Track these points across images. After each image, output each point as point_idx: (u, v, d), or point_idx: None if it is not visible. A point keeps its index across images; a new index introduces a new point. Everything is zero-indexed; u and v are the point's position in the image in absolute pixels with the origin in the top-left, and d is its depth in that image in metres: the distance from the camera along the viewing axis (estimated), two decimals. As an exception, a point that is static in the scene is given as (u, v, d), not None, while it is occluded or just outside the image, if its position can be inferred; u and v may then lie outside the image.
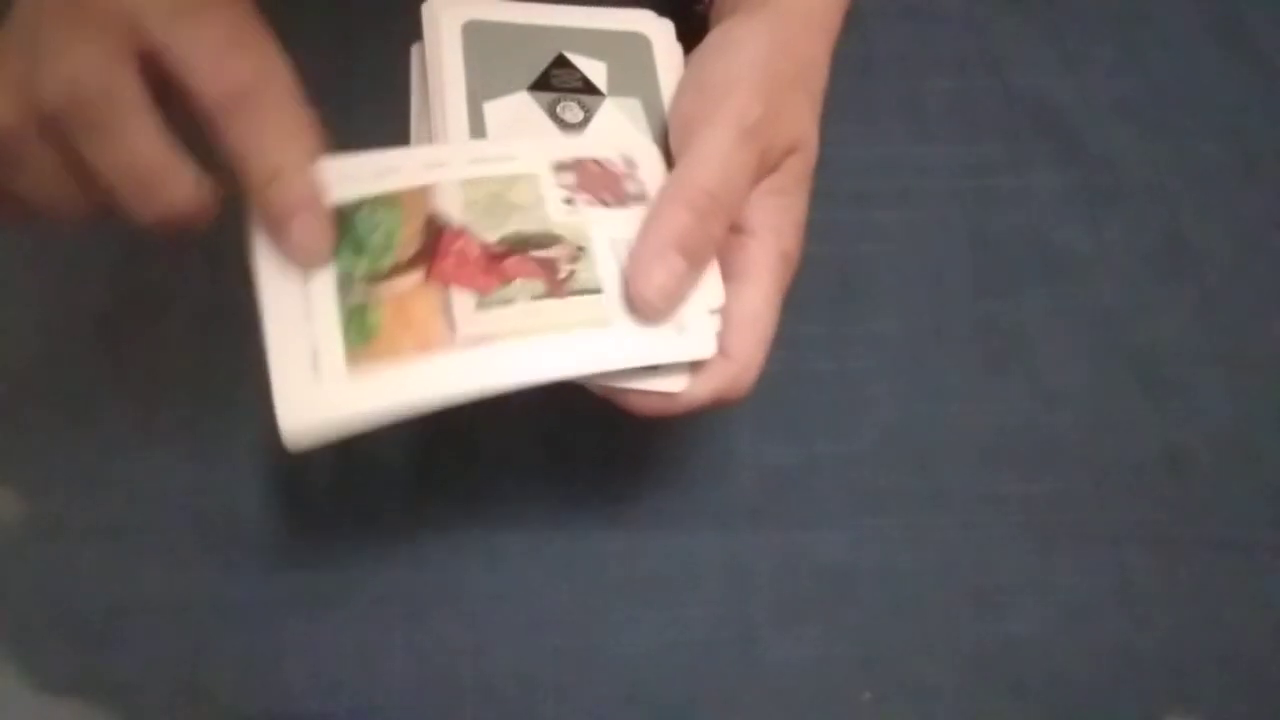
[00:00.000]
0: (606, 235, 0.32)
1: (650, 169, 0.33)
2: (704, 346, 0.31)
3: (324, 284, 0.30)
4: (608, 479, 0.41)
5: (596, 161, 0.33)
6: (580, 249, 0.31)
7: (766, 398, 0.42)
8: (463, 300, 0.29)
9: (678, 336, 0.31)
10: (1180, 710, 0.37)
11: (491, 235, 0.31)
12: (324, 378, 0.29)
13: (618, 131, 0.34)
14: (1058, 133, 0.48)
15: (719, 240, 0.32)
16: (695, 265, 0.31)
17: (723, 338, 0.32)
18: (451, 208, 0.31)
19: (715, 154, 0.32)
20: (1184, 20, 0.51)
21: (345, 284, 0.30)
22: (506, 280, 0.30)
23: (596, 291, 0.31)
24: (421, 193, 0.31)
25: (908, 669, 0.38)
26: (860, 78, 0.49)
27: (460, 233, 0.30)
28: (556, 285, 0.30)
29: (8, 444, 0.41)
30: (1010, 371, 0.43)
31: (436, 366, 0.29)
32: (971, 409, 0.42)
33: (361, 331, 0.29)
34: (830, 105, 0.48)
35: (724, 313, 0.33)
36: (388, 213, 0.31)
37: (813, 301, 0.44)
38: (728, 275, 0.33)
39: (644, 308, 0.30)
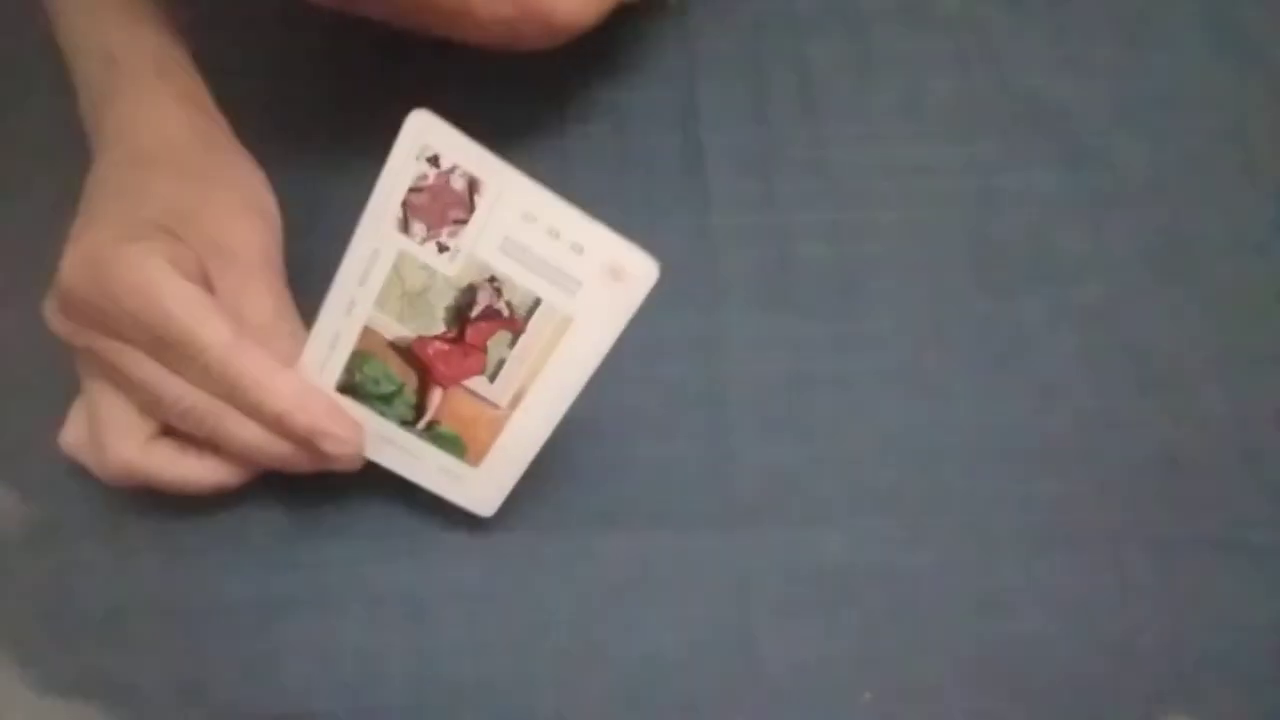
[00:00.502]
0: (494, 249, 0.33)
1: (453, 155, 0.33)
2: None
3: (403, 435, 0.37)
4: (608, 479, 0.41)
5: (414, 190, 0.33)
6: (491, 279, 0.34)
7: (766, 398, 0.42)
8: (477, 384, 0.35)
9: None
10: (1180, 710, 0.37)
11: (436, 328, 0.35)
12: (470, 482, 0.38)
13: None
14: (1058, 133, 0.48)
15: None
16: None
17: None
18: (392, 330, 0.35)
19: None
20: (1184, 20, 0.51)
21: (404, 425, 0.36)
22: (484, 350, 0.35)
23: (538, 301, 0.34)
24: (369, 333, 0.35)
25: (908, 669, 0.38)
26: (860, 78, 0.49)
27: (419, 342, 0.35)
28: (512, 323, 0.34)
29: (8, 444, 0.41)
30: (1010, 371, 0.43)
31: (517, 433, 0.36)
32: (971, 409, 0.42)
33: (456, 445, 0.37)
34: (830, 105, 0.49)
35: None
36: (369, 363, 0.35)
37: (813, 301, 0.44)
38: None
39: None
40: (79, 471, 0.38)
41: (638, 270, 0.34)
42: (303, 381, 0.35)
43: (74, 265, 0.35)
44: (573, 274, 0.34)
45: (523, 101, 0.47)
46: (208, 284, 0.36)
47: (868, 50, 0.50)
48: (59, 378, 0.42)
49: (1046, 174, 0.47)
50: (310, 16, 0.42)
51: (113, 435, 0.36)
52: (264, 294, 0.36)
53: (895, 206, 0.46)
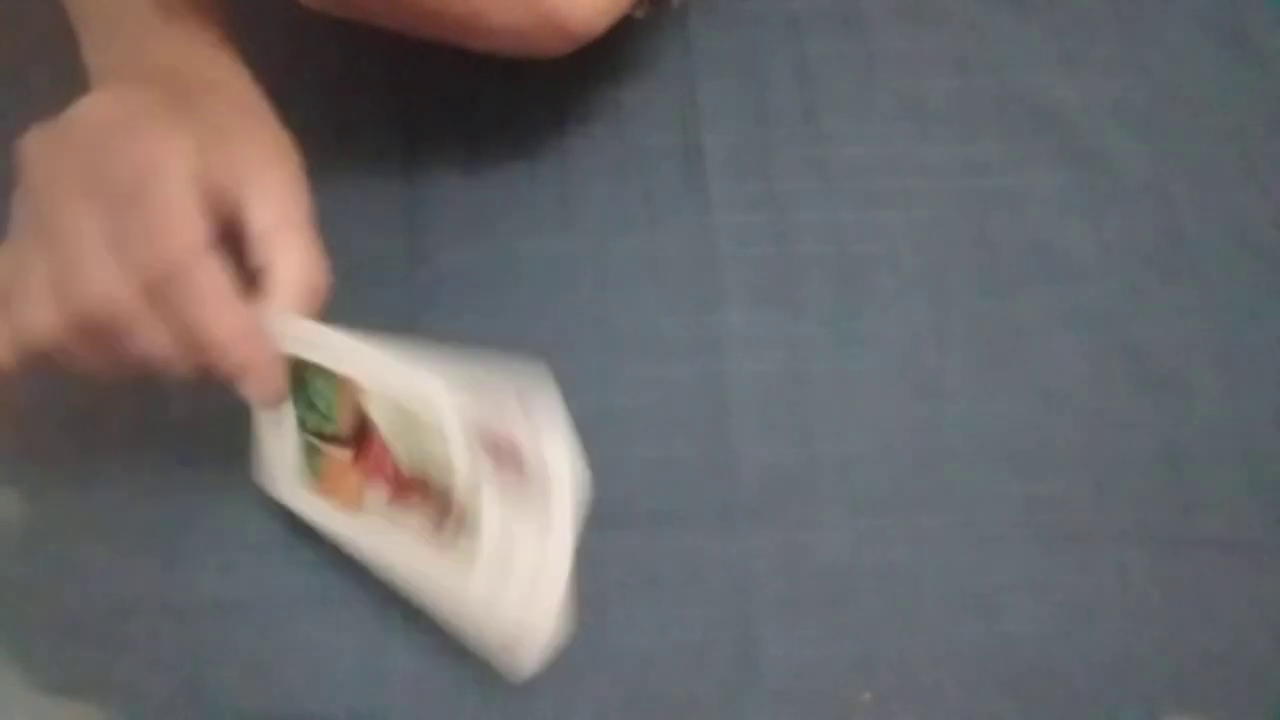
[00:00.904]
0: (498, 514, 0.33)
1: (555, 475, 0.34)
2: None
3: (290, 413, 0.37)
4: (608, 479, 0.41)
5: (501, 437, 0.34)
6: (470, 516, 0.33)
7: (766, 398, 0.42)
8: (375, 493, 0.35)
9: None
10: (1180, 710, 0.37)
11: (404, 459, 0.34)
12: (287, 479, 0.38)
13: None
14: (1058, 133, 0.48)
15: None
16: None
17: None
18: (377, 418, 0.35)
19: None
20: (1184, 20, 0.51)
21: (303, 422, 0.36)
22: (408, 502, 0.35)
23: (469, 563, 0.33)
24: (355, 386, 0.35)
25: (908, 669, 0.38)
26: (860, 78, 0.49)
27: (382, 444, 0.35)
28: (441, 529, 0.34)
29: (8, 444, 0.41)
30: (1010, 371, 0.43)
31: (348, 524, 0.36)
32: (971, 409, 0.42)
33: (314, 468, 0.37)
34: (830, 105, 0.49)
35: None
36: (329, 388, 0.35)
37: (813, 301, 0.44)
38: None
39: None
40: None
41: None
42: (252, 320, 0.34)
43: (103, 102, 0.33)
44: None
45: (523, 101, 0.47)
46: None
47: (868, 50, 0.50)
48: (59, 378, 0.42)
49: (1046, 174, 0.47)
50: (319, 22, 0.42)
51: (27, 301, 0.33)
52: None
53: (895, 206, 0.46)
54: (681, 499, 0.40)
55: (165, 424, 0.41)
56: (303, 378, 0.36)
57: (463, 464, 0.33)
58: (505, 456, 0.33)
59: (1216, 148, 0.48)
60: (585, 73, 0.49)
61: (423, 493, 0.34)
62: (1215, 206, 0.46)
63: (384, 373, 0.34)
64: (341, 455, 0.36)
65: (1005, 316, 0.44)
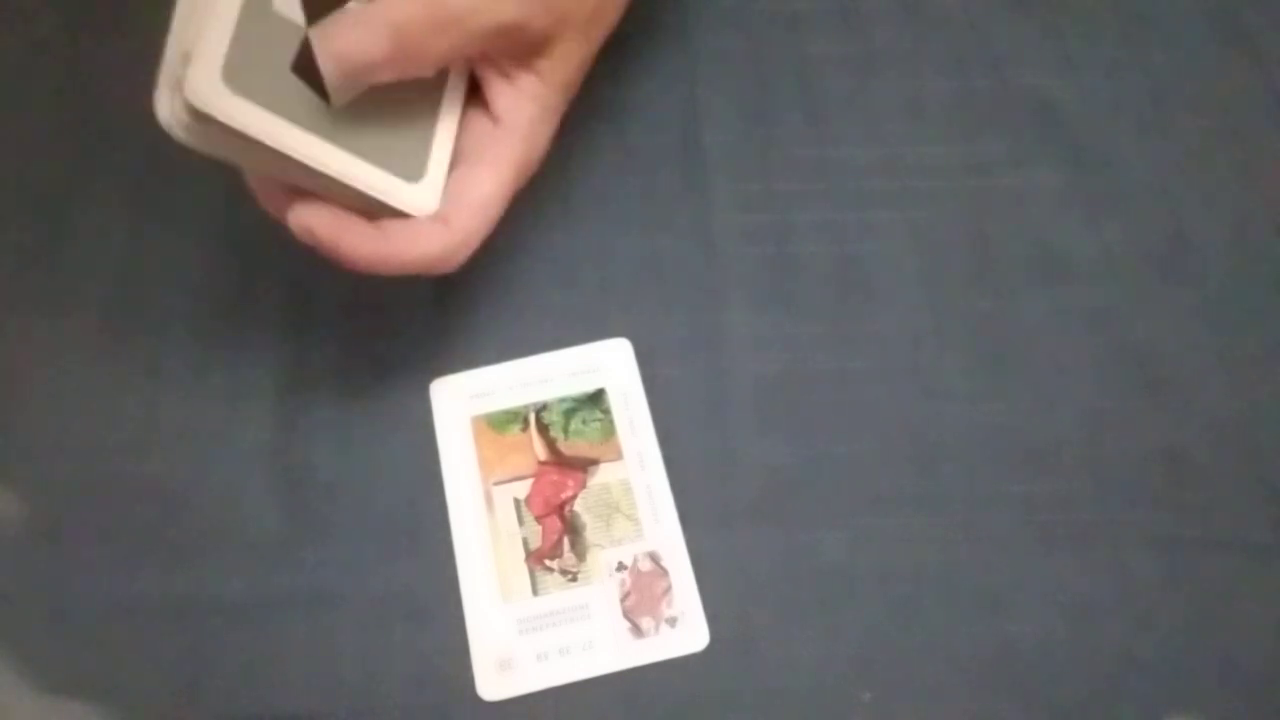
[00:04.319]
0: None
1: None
2: (429, 199, 0.36)
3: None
4: (608, 479, 0.41)
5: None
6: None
7: (766, 398, 0.42)
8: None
9: (404, 184, 0.35)
10: (1181, 711, 0.37)
11: None
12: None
13: None
14: (1058, 133, 0.48)
15: (435, 60, 0.34)
16: (400, 62, 0.33)
17: (449, 211, 0.35)
18: None
19: None
20: (1184, 20, 0.51)
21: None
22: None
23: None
24: None
25: (908, 669, 0.38)
26: (860, 78, 0.49)
27: None
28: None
29: (8, 444, 0.41)
30: (1010, 371, 0.43)
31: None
32: (971, 409, 0.42)
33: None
34: (830, 105, 0.49)
35: (456, 191, 0.36)
36: None
37: (813, 301, 0.44)
38: (470, 157, 0.36)
39: (322, 58, 0.32)
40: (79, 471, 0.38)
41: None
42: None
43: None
44: None
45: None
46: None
47: (868, 50, 0.50)
48: (59, 378, 0.42)
49: (1046, 174, 0.47)
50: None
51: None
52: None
53: (895, 206, 0.46)
54: (681, 499, 0.40)
55: (165, 424, 0.41)
56: None
57: None
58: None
59: (1216, 148, 0.48)
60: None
61: None
62: (1215, 206, 0.46)
63: None
64: None
65: (1005, 316, 0.44)
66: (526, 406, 0.42)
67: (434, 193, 0.36)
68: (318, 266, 0.44)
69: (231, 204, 0.46)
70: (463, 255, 0.36)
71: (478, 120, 0.37)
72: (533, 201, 0.46)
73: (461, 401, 0.42)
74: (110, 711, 0.37)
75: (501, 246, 0.45)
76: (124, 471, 0.40)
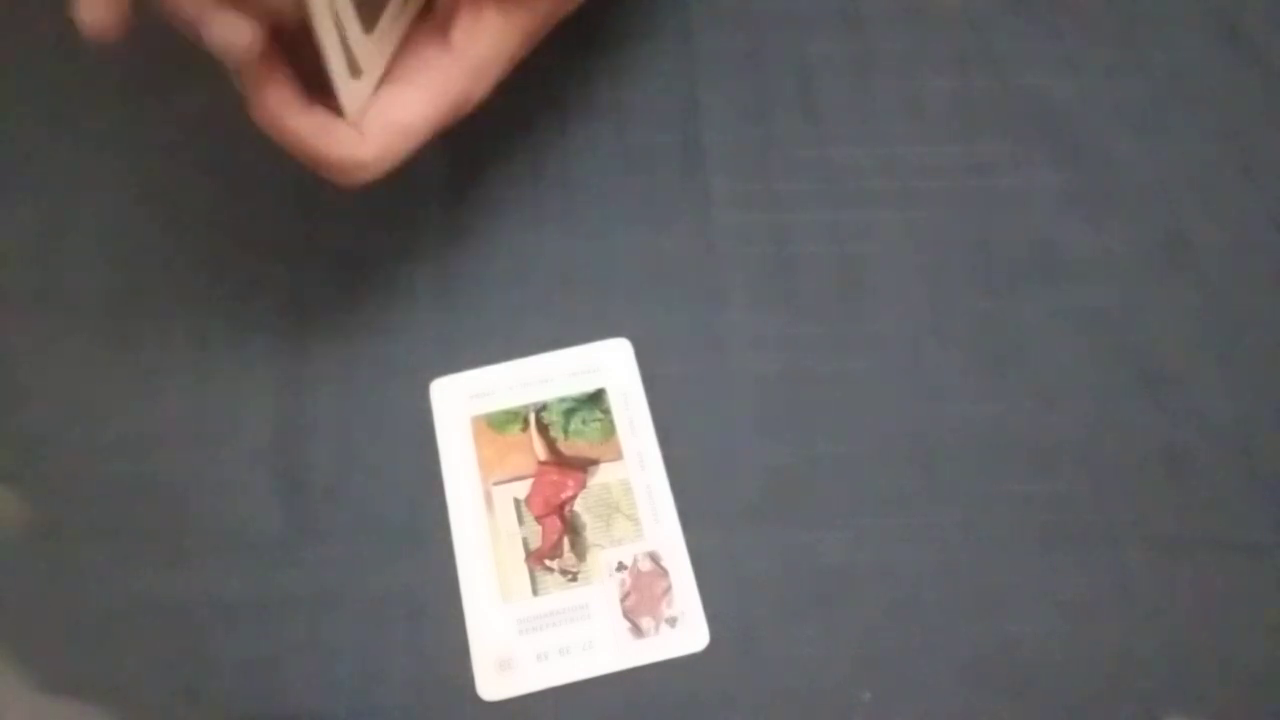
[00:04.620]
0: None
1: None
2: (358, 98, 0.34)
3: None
4: (608, 479, 0.41)
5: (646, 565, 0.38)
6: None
7: (766, 398, 0.42)
8: None
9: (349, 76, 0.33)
10: (1180, 711, 0.37)
11: None
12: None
13: None
14: (1058, 133, 0.48)
15: None
16: None
17: (368, 124, 0.33)
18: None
19: None
20: (1184, 20, 0.51)
21: None
22: None
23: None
24: None
25: (908, 669, 0.38)
26: (860, 78, 0.49)
27: None
28: None
29: (8, 444, 0.41)
30: (1010, 371, 0.43)
31: None
32: (971, 409, 0.42)
33: None
34: (830, 105, 0.49)
35: (383, 106, 0.34)
36: None
37: (813, 301, 0.44)
38: (407, 75, 0.34)
39: None
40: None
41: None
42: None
43: None
44: None
45: (524, 101, 0.47)
46: None
47: (868, 50, 0.50)
48: (60, 378, 0.42)
49: (1046, 174, 0.47)
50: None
51: None
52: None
53: (895, 206, 0.46)
54: (681, 499, 0.40)
55: (165, 423, 0.41)
56: None
57: None
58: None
59: (1216, 148, 0.48)
60: (586, 72, 0.49)
61: None
62: (1215, 206, 0.46)
63: None
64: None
65: (1005, 316, 0.44)
66: (526, 406, 0.42)
67: (360, 95, 0.34)
68: (318, 265, 0.44)
69: (231, 204, 0.46)
70: (368, 173, 0.34)
71: (427, 41, 0.35)
72: (533, 201, 0.46)
73: (461, 401, 0.42)
74: (110, 711, 0.37)
75: (501, 246, 0.45)
76: (124, 471, 0.40)
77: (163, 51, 0.41)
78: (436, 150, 0.47)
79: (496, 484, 0.40)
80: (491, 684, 0.37)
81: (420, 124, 0.34)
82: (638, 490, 0.40)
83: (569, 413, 0.41)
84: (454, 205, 0.46)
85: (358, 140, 0.34)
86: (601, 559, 0.39)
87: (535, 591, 0.38)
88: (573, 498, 0.40)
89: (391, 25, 0.35)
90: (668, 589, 0.38)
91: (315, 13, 0.31)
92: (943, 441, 0.41)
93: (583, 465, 0.40)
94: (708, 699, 0.37)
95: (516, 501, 0.40)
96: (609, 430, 0.41)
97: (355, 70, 0.34)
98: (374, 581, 0.39)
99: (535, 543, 0.39)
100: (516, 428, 0.41)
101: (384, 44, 0.35)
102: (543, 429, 0.41)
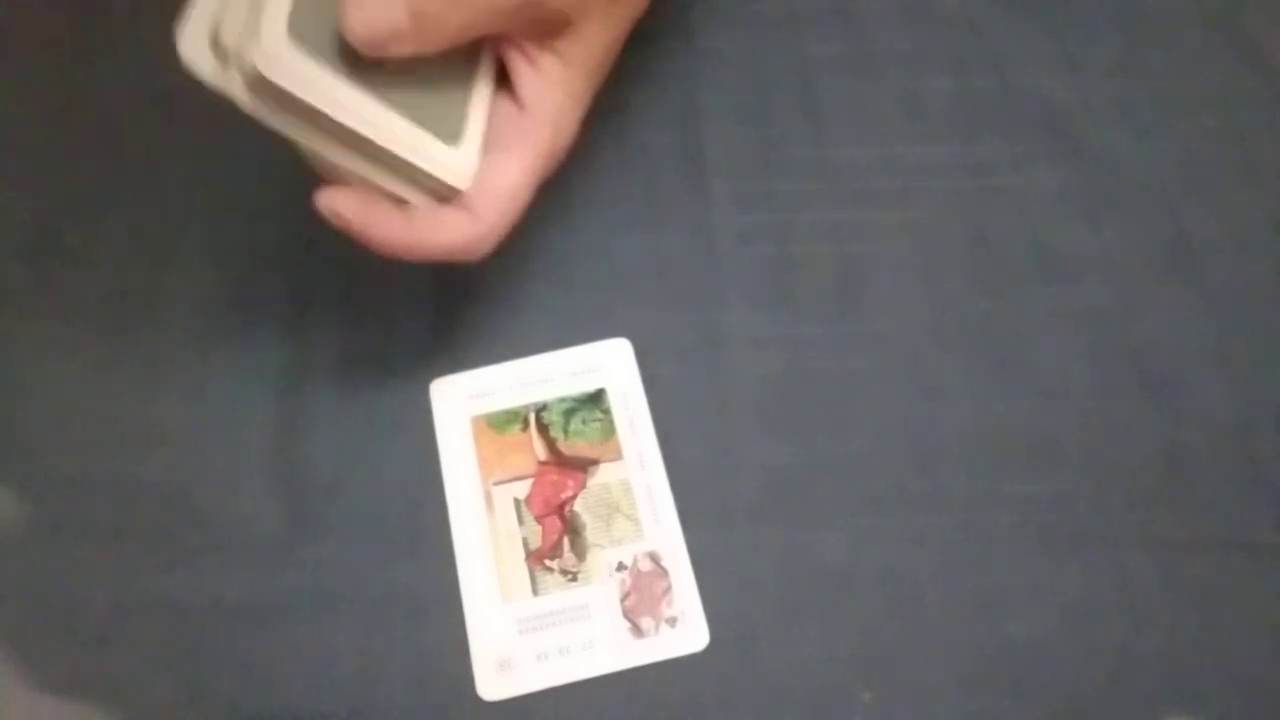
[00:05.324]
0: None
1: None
2: (467, 166, 0.35)
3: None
4: (608, 479, 0.41)
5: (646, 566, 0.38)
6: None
7: (766, 398, 0.42)
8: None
9: (444, 147, 0.35)
10: (1180, 711, 0.37)
11: None
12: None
13: None
14: (1058, 133, 0.48)
15: (453, 33, 0.33)
16: (417, 34, 0.32)
17: (475, 201, 0.35)
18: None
19: None
20: (1184, 20, 0.51)
21: None
22: None
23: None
24: None
25: (908, 669, 0.38)
26: (860, 78, 0.49)
27: None
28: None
29: (8, 444, 0.41)
30: (1010, 371, 0.43)
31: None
32: (971, 409, 0.42)
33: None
34: (830, 105, 0.49)
35: (483, 178, 0.35)
36: None
37: (813, 301, 0.44)
38: (496, 144, 0.36)
39: (345, 27, 0.31)
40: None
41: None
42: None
43: None
44: None
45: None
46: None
47: (868, 50, 0.50)
48: (60, 378, 0.42)
49: (1046, 174, 0.47)
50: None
51: None
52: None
53: (895, 206, 0.46)
54: (681, 499, 0.40)
55: (165, 424, 0.41)
56: None
57: None
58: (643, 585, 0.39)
59: (1216, 148, 0.48)
60: (585, 73, 0.49)
61: None
62: (1215, 206, 0.46)
63: None
64: None
65: (1005, 316, 0.44)
66: (526, 406, 0.42)
67: (471, 159, 0.36)
68: (318, 266, 0.44)
69: (231, 203, 0.46)
70: (489, 244, 0.36)
71: (504, 107, 0.37)
72: (532, 202, 0.46)
73: (461, 401, 0.42)
74: (110, 711, 0.37)
75: (501, 246, 0.45)
76: (124, 471, 0.40)
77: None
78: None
79: (496, 484, 0.40)
80: (491, 684, 0.37)
81: (521, 184, 0.36)
82: (638, 490, 0.40)
83: (569, 413, 0.41)
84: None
85: (469, 219, 0.35)
86: (601, 559, 0.39)
87: (535, 591, 0.38)
88: (573, 498, 0.40)
89: (480, 94, 0.37)
90: (668, 589, 0.38)
91: (372, 130, 0.33)
92: (942, 441, 0.41)
93: (583, 465, 0.40)
94: (708, 699, 0.37)
95: (516, 501, 0.40)
96: (609, 430, 0.41)
97: (452, 138, 0.35)
98: (374, 581, 0.39)
99: (535, 543, 0.39)
100: (516, 428, 0.41)
101: (473, 111, 0.36)
102: (543, 429, 0.41)
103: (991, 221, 0.46)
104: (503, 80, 0.37)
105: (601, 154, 0.47)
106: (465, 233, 0.35)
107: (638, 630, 0.38)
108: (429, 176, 0.35)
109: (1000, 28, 0.51)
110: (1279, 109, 0.48)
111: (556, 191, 0.46)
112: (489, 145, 0.36)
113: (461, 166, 0.35)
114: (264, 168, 0.46)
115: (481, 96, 0.37)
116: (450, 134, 0.35)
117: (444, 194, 0.36)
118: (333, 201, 0.34)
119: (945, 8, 0.51)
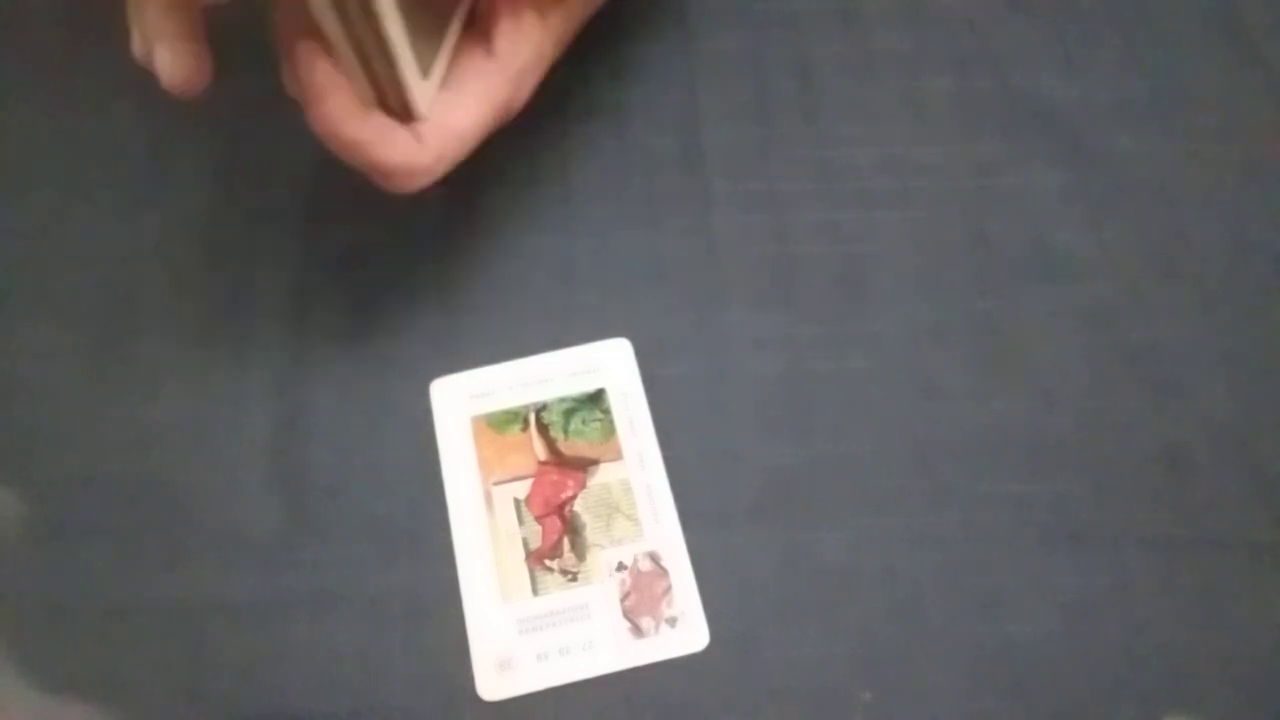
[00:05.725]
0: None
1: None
2: (430, 96, 0.35)
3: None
4: (608, 479, 0.41)
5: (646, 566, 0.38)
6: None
7: (766, 398, 0.42)
8: None
9: (420, 77, 0.34)
10: (1180, 710, 0.37)
11: None
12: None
13: None
14: (1058, 133, 0.48)
15: None
16: None
17: (426, 129, 0.35)
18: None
19: None
20: (1184, 20, 0.51)
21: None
22: None
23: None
24: None
25: (908, 669, 0.38)
26: (860, 78, 0.49)
27: None
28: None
29: (8, 444, 0.41)
30: (1010, 371, 0.43)
31: None
32: (971, 409, 0.42)
33: None
34: (830, 105, 0.49)
35: (436, 112, 0.35)
36: None
37: (813, 301, 0.44)
38: (456, 84, 0.36)
39: None
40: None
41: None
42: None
43: None
44: None
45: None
46: None
47: (868, 50, 0.50)
48: (59, 378, 0.42)
49: (1046, 174, 0.47)
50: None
51: None
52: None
53: (895, 206, 0.46)
54: (681, 499, 0.40)
55: (165, 423, 0.41)
56: None
57: None
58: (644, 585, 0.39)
59: (1216, 148, 0.48)
60: (586, 73, 0.49)
61: None
62: (1215, 206, 0.46)
63: None
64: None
65: (1005, 316, 0.44)
66: (526, 406, 0.42)
67: (434, 90, 0.35)
68: (318, 266, 0.44)
69: (232, 204, 0.46)
70: (423, 179, 0.35)
71: (471, 50, 0.36)
72: (532, 202, 0.46)
73: (461, 401, 0.42)
74: (110, 711, 0.37)
75: (501, 246, 0.45)
76: (124, 471, 0.40)
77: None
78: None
79: (496, 484, 0.40)
80: (491, 684, 0.37)
81: (472, 129, 0.36)
82: (638, 490, 0.40)
83: (569, 413, 0.41)
84: (454, 206, 0.46)
85: (416, 146, 0.34)
86: (601, 559, 0.39)
87: (535, 591, 0.38)
88: (573, 498, 0.40)
89: (452, 33, 0.36)
90: (668, 589, 0.38)
91: (385, 15, 0.32)
92: (942, 441, 0.41)
93: (583, 465, 0.40)
94: (708, 699, 0.37)
95: (516, 501, 0.40)
96: (609, 430, 0.41)
97: (425, 71, 0.34)
98: (374, 581, 0.39)
99: (535, 543, 0.39)
100: (516, 428, 0.41)
101: (444, 50, 0.36)
102: (543, 429, 0.41)
103: (991, 221, 0.46)
104: (470, 24, 0.37)
105: (601, 154, 0.47)
106: (408, 155, 0.34)
107: (638, 630, 0.38)
108: (400, 96, 0.34)
109: (1000, 28, 0.51)
110: (1279, 109, 0.48)
111: (556, 191, 0.46)
112: (449, 83, 0.36)
113: (427, 96, 0.35)
114: (265, 168, 0.46)
115: (453, 34, 0.36)
116: (424, 66, 0.35)
117: (400, 119, 0.35)
118: (311, 57, 0.33)
119: (945, 8, 0.51)
